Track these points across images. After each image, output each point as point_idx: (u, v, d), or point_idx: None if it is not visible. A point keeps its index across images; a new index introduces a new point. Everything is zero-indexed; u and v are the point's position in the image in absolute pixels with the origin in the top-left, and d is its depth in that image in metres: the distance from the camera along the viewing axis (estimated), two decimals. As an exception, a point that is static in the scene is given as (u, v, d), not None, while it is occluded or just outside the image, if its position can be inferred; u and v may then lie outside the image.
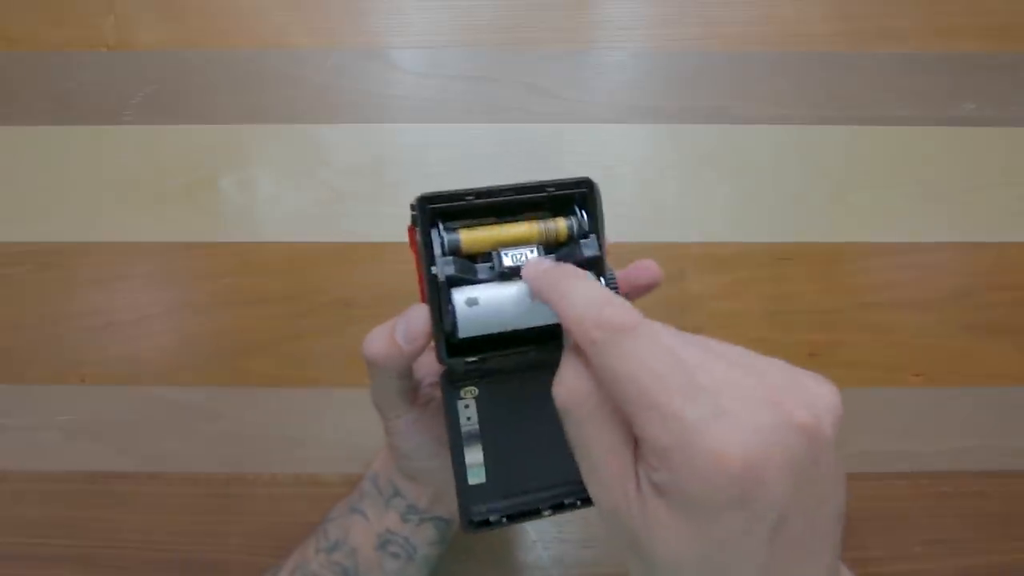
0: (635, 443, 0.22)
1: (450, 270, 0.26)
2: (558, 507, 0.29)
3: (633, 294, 0.32)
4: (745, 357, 0.22)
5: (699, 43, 0.52)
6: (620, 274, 0.31)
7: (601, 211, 0.28)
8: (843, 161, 0.51)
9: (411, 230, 0.28)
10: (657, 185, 0.50)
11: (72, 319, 0.48)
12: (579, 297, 0.23)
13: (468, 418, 0.29)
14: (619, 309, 0.22)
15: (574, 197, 0.28)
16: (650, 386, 0.20)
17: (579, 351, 0.23)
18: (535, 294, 0.26)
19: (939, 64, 0.51)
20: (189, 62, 0.51)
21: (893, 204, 0.50)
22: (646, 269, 0.32)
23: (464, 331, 0.26)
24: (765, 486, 0.19)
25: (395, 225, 0.32)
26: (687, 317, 0.48)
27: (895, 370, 0.48)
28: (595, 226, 0.28)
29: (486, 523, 0.29)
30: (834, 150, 0.51)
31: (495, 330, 0.26)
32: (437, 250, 0.26)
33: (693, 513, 0.20)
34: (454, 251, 0.27)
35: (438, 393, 0.34)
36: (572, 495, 0.29)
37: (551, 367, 0.26)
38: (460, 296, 0.26)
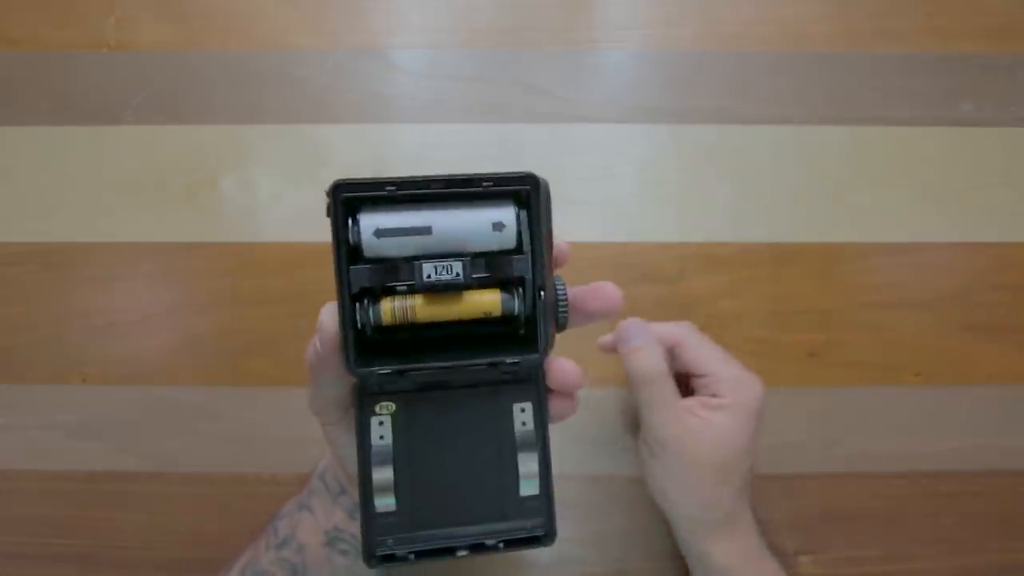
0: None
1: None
2: (477, 547, 0.25)
3: (580, 319, 0.28)
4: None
5: (699, 43, 0.52)
6: (573, 293, 0.28)
7: (547, 211, 0.25)
8: (842, 161, 0.51)
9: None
10: (657, 185, 0.50)
11: (73, 319, 0.48)
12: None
13: (381, 436, 0.26)
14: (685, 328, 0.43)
15: (516, 193, 0.24)
16: (718, 357, 0.41)
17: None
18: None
19: (938, 64, 0.51)
20: (190, 62, 0.51)
21: (892, 204, 0.50)
22: (603, 295, 0.28)
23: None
24: (762, 411, 0.39)
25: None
26: (687, 317, 0.48)
27: (894, 369, 0.48)
28: (535, 228, 0.25)
29: (391, 557, 0.25)
30: (833, 150, 0.51)
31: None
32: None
33: (741, 417, 0.38)
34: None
35: None
36: (494, 536, 0.25)
37: (482, 388, 0.25)
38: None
